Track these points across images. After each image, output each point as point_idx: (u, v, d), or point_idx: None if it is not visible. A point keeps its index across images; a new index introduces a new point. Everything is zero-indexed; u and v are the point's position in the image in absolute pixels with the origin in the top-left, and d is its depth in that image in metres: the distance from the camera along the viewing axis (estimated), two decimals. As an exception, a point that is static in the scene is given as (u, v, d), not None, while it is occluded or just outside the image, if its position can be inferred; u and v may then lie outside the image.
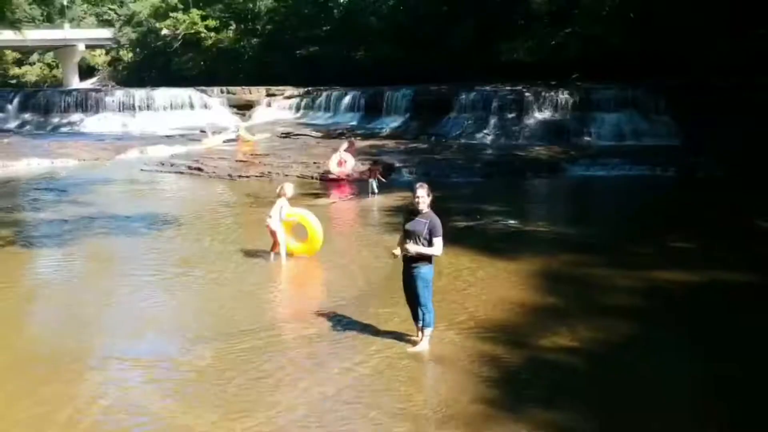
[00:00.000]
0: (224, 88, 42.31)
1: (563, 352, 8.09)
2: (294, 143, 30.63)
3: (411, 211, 8.10)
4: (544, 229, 14.65)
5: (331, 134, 32.01)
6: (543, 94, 30.28)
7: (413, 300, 8.10)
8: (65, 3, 72.98)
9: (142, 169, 25.37)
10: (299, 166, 23.53)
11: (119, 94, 39.64)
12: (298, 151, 27.72)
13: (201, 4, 56.77)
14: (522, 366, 7.76)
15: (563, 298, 10.02)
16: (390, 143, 29.14)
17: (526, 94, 30.45)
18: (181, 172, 24.43)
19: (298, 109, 39.52)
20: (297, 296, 11.31)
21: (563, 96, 30.04)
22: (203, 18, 53.83)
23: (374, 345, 8.30)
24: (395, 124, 32.89)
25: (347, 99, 36.75)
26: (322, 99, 38.38)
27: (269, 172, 22.94)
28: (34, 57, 78.89)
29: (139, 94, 39.82)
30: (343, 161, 21.52)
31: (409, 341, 8.30)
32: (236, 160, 25.42)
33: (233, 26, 57.11)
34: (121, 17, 69.03)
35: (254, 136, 31.65)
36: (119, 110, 39.33)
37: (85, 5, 78.57)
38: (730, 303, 9.75)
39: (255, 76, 54.04)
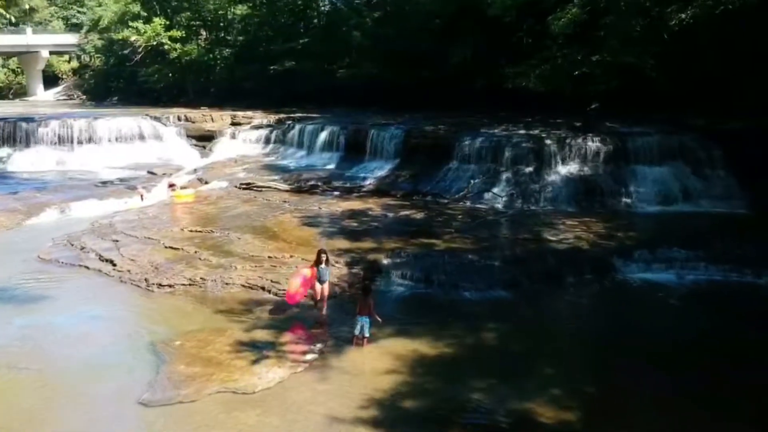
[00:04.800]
0: (182, 115, 34.30)
1: None
2: (255, 201, 22.93)
3: None
4: None
5: (302, 187, 24.26)
6: (568, 141, 22.66)
7: None
8: (28, 6, 64.24)
9: (39, 257, 17.58)
10: (246, 265, 15.78)
11: (54, 125, 31.43)
12: (257, 219, 20.13)
13: (168, 11, 48.66)
14: None
15: None
16: (374, 206, 21.44)
17: (547, 141, 22.81)
18: (87, 267, 16.66)
19: (267, 142, 31.65)
20: None
21: (593, 144, 22.46)
22: (167, 28, 45.60)
23: None
24: (381, 173, 25.10)
25: (324, 135, 28.89)
26: (294, 132, 30.50)
27: (203, 279, 15.16)
28: (-1, 62, 70.43)
29: (79, 124, 31.63)
30: (303, 278, 13.34)
31: None
32: (165, 246, 17.64)
33: (203, 35, 49.10)
34: (88, 23, 60.58)
35: (193, 190, 24.15)
36: (55, 143, 31.24)
37: (52, 8, 69.89)
38: None
39: (226, 90, 46.62)
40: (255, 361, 11.14)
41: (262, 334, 12.31)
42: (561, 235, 17.86)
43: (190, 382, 10.44)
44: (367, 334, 11.79)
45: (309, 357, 11.38)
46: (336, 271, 15.18)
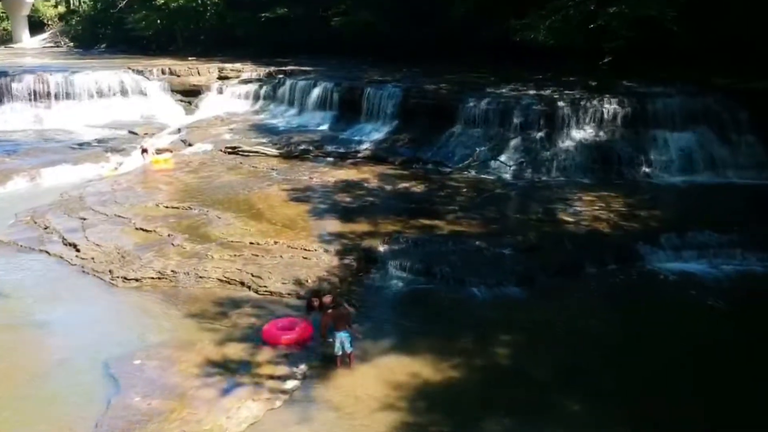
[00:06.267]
0: (166, 68, 31.65)
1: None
2: (240, 168, 20.76)
3: None
4: None
5: (292, 152, 22.02)
6: (582, 103, 20.32)
7: None
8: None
9: (-4, 238, 15.55)
10: (225, 254, 13.72)
11: (30, 80, 28.83)
12: (240, 192, 18.05)
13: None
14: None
15: None
16: (370, 176, 19.26)
17: (560, 103, 20.45)
18: (48, 252, 14.61)
19: (256, 98, 29.18)
20: None
21: (610, 106, 20.13)
22: (152, -29, 42.42)
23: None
24: (378, 136, 22.81)
25: (317, 92, 26.40)
26: (285, 88, 28.01)
27: (174, 272, 13.12)
28: (-18, 7, 66.55)
29: (55, 79, 29.08)
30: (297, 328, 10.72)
31: None
32: (136, 227, 15.56)
33: (191, -21, 45.69)
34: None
35: (171, 155, 22.01)
36: (31, 100, 28.74)
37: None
38: None
39: (217, 37, 43.88)
40: (225, 391, 9.18)
41: (236, 350, 10.33)
42: (577, 214, 15.82)
43: (144, 424, 8.51)
44: (349, 350, 9.84)
45: (289, 385, 9.39)
46: (326, 260, 13.23)
